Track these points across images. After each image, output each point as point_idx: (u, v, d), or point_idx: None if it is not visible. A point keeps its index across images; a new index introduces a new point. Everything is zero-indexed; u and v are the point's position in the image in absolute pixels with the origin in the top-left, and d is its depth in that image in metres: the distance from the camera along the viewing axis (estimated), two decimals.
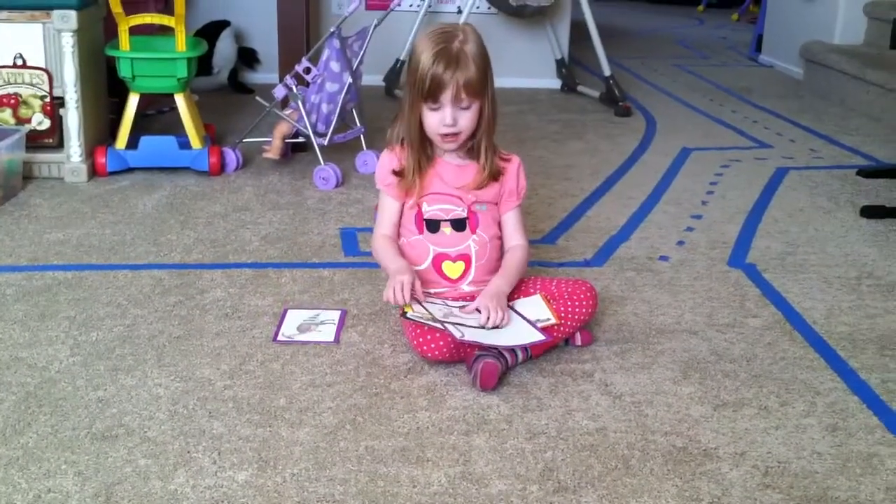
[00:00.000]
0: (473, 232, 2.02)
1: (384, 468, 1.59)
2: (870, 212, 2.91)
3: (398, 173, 2.02)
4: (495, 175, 2.02)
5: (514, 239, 2.08)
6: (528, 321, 1.93)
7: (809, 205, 3.01)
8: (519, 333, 1.90)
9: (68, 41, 2.92)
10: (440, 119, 1.94)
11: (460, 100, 1.92)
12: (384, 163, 2.05)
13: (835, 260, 2.56)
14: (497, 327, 1.90)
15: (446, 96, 1.91)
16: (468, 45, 1.92)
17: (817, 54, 4.77)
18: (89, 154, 3.05)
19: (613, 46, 5.55)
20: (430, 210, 2.02)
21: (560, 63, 4.73)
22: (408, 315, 1.93)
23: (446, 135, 1.95)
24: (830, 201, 3.05)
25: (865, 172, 3.34)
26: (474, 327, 1.89)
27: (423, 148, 2.00)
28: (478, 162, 2.02)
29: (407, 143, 2.01)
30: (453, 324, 1.88)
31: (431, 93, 1.91)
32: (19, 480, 1.53)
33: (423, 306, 1.94)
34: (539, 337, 1.89)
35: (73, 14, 2.89)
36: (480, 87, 1.93)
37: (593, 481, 1.58)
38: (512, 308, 1.98)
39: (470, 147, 2.02)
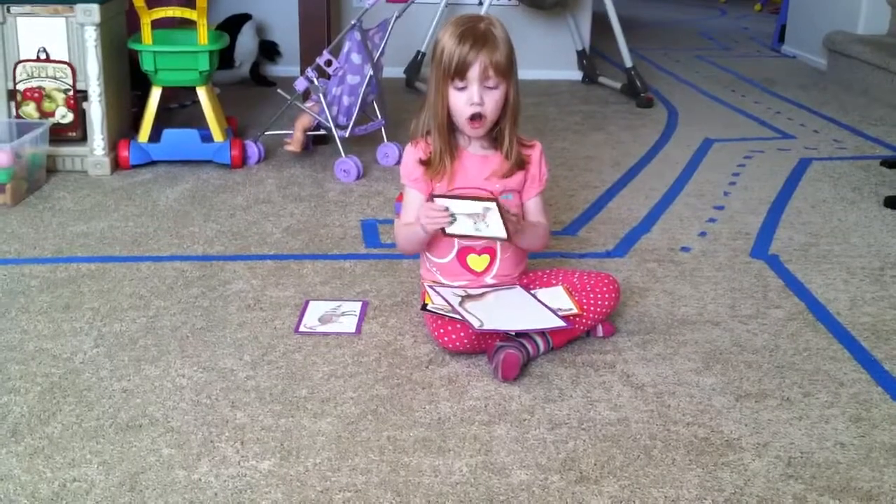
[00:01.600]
0: None
1: (406, 458, 1.60)
2: (893, 202, 2.89)
3: (425, 162, 2.00)
4: (521, 163, 2.01)
5: (536, 218, 2.06)
6: (550, 309, 1.93)
7: (832, 195, 3.00)
8: (539, 319, 1.90)
9: (91, 35, 2.93)
10: (467, 98, 1.91)
11: (487, 77, 1.90)
12: (409, 157, 2.03)
13: (858, 251, 2.55)
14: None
15: (473, 72, 1.89)
16: (495, 28, 1.91)
17: (841, 45, 4.74)
18: (112, 147, 3.07)
19: (635, 37, 5.53)
20: None
21: (581, 54, 4.72)
22: (428, 307, 1.93)
23: (473, 118, 1.93)
24: (854, 192, 3.03)
25: (889, 163, 3.31)
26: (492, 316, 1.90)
27: (450, 135, 1.99)
28: (501, 150, 2.01)
29: (434, 130, 1.98)
30: (472, 313, 1.88)
31: (459, 70, 1.89)
32: (44, 470, 1.55)
33: (440, 295, 1.95)
34: (559, 323, 1.89)
35: (95, 8, 2.90)
36: (507, 68, 1.91)
37: (615, 471, 1.58)
38: (534, 296, 1.98)
39: (494, 136, 2.00)
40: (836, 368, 1.93)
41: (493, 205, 1.85)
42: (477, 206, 1.87)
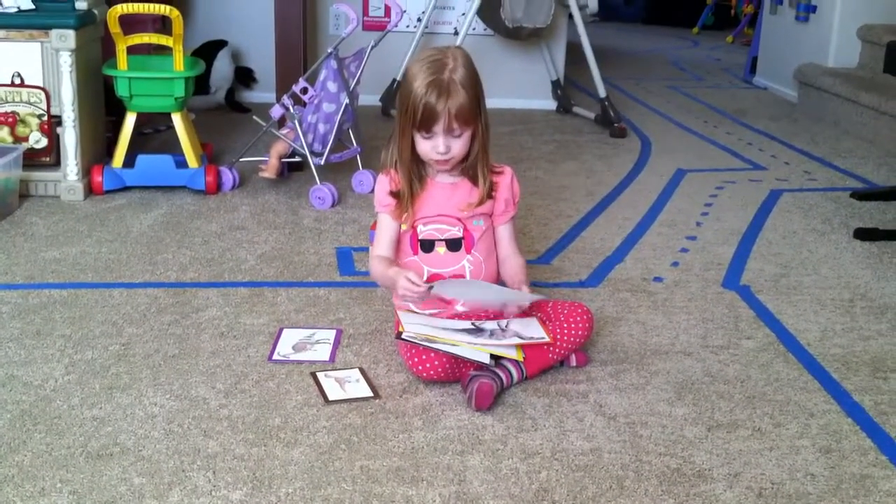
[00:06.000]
0: (468, 252, 2.03)
1: (379, 488, 1.60)
2: (863, 234, 2.92)
3: (395, 195, 2.03)
4: (491, 192, 2.04)
5: (510, 249, 2.10)
6: (522, 337, 1.94)
7: (803, 227, 3.03)
8: (510, 296, 1.98)
9: (66, 60, 2.93)
10: (433, 147, 1.95)
11: (452, 129, 1.93)
12: (381, 186, 2.05)
13: (828, 282, 2.57)
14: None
15: (439, 127, 1.92)
16: (458, 73, 1.92)
17: (811, 77, 4.80)
18: (86, 172, 3.06)
19: (609, 68, 5.57)
20: (425, 231, 2.03)
21: (555, 84, 4.75)
22: (403, 336, 1.93)
23: (439, 160, 1.97)
24: (824, 223, 3.07)
25: (859, 195, 3.35)
26: (465, 335, 1.93)
27: (416, 170, 2.02)
28: (471, 180, 2.03)
29: (400, 167, 2.01)
30: (445, 342, 1.89)
31: (424, 123, 1.92)
32: (14, 499, 1.53)
33: (416, 322, 1.96)
34: (532, 297, 1.96)
35: (71, 33, 2.90)
36: (472, 114, 1.94)
37: (587, 501, 1.58)
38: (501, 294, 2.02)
39: (463, 165, 2.02)
40: (806, 399, 1.94)
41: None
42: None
